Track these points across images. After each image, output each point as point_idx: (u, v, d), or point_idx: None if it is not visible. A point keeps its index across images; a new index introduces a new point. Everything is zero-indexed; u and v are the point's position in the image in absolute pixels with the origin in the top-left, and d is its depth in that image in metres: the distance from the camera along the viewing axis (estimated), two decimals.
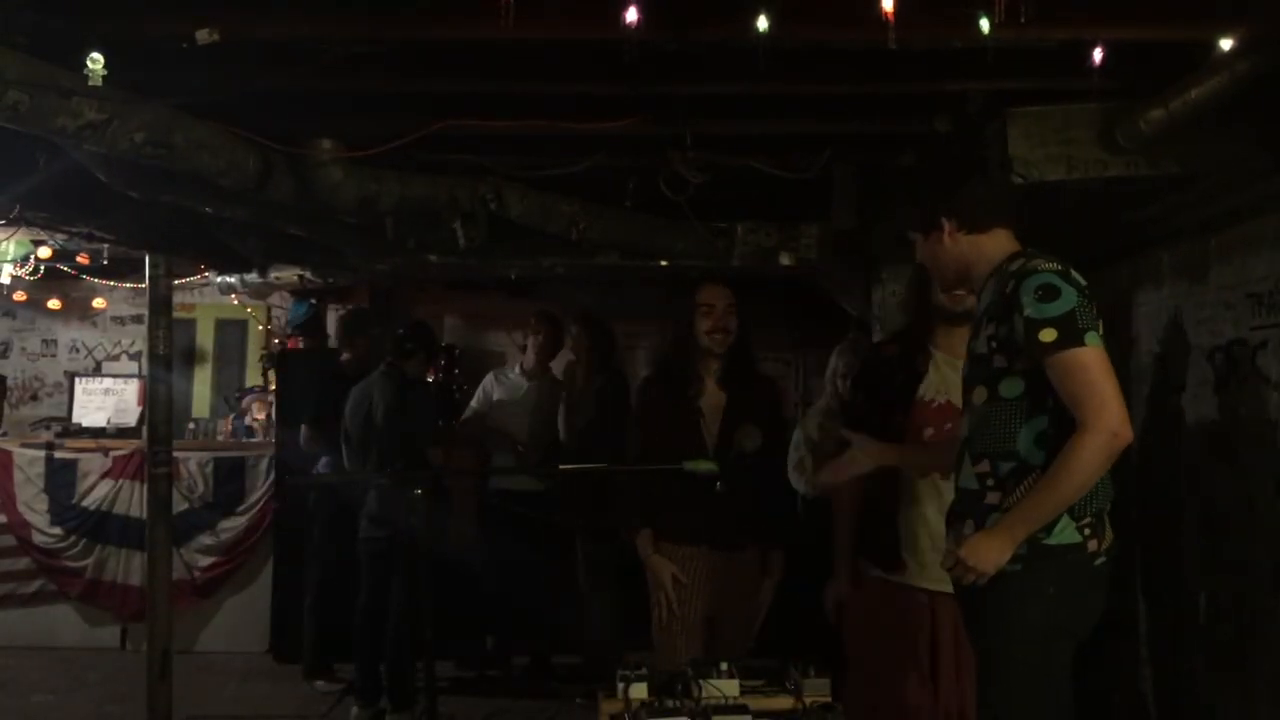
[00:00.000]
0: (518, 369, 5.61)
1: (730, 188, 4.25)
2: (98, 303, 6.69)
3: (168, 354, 4.68)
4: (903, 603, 3.08)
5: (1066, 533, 2.30)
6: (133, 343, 6.84)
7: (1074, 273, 2.36)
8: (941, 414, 3.01)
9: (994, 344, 2.36)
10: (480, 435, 5.59)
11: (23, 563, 5.91)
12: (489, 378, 5.71)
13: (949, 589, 2.73)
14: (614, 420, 5.04)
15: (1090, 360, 2.23)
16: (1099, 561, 2.35)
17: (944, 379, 3.04)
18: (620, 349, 5.64)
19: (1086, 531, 2.32)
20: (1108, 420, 2.20)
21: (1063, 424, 2.27)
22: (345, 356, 5.35)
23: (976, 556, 2.30)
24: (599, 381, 5.12)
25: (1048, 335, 2.24)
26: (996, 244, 2.48)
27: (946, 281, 2.68)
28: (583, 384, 5.26)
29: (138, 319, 6.68)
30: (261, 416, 6.41)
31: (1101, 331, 2.31)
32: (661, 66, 2.93)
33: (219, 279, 6.20)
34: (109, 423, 6.35)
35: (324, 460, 5.21)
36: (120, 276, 6.33)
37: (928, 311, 3.14)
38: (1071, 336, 2.23)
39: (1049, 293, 2.28)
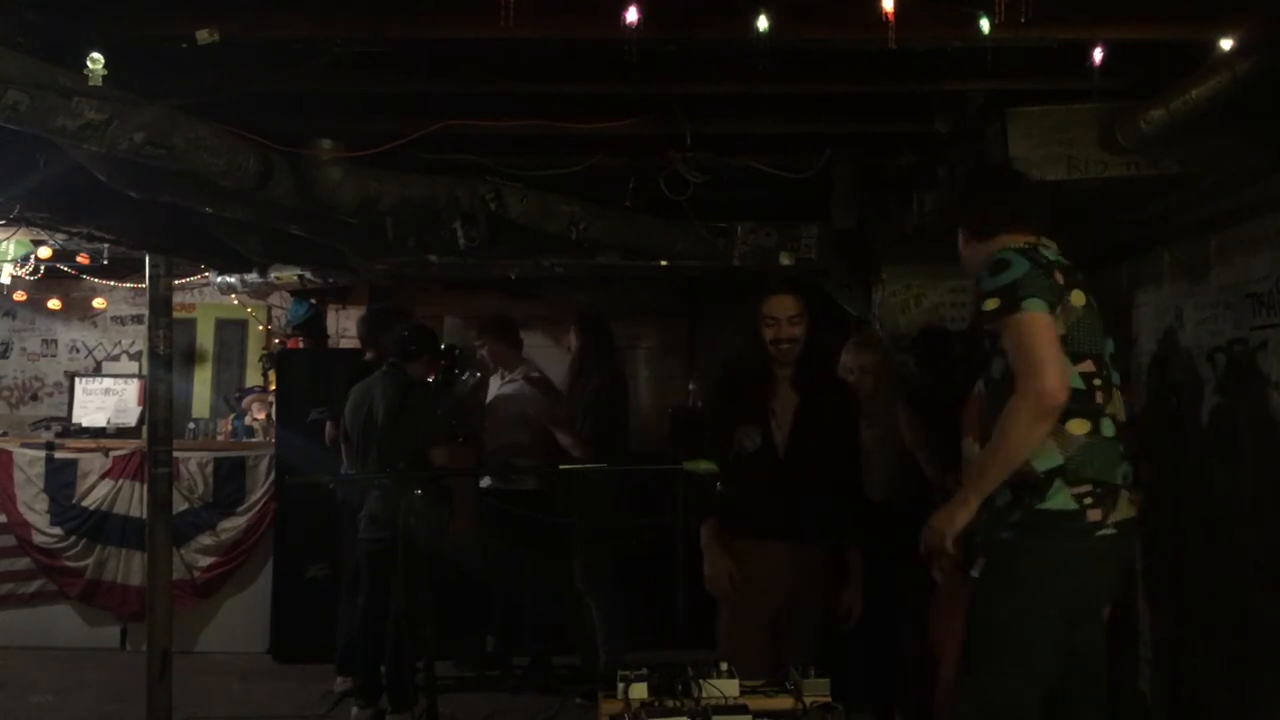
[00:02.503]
0: (500, 375, 5.52)
1: (730, 188, 4.26)
2: (98, 303, 6.69)
3: (168, 354, 4.67)
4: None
5: (1059, 498, 2.31)
6: (133, 343, 6.84)
7: (1044, 250, 2.40)
8: None
9: (984, 331, 2.44)
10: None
11: (23, 563, 5.90)
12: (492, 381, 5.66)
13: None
14: (614, 421, 5.05)
15: (1024, 324, 2.27)
16: (1103, 532, 2.34)
17: None
18: (619, 349, 5.59)
19: (1087, 500, 2.32)
20: (1035, 382, 2.23)
21: None
22: (369, 356, 5.33)
23: (937, 519, 2.41)
24: (595, 383, 5.08)
25: (990, 304, 2.31)
26: (1001, 247, 2.49)
27: None
28: (575, 385, 5.23)
29: (138, 319, 6.68)
30: (261, 416, 6.40)
31: (1064, 301, 2.33)
32: (661, 66, 2.93)
33: (219, 279, 6.20)
34: (109, 423, 6.34)
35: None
36: (120, 276, 6.33)
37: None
38: (1010, 303, 2.29)
39: (998, 266, 2.34)
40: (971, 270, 2.61)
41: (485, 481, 5.31)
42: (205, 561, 5.88)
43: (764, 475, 3.43)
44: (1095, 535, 2.33)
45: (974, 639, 2.43)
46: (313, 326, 6.54)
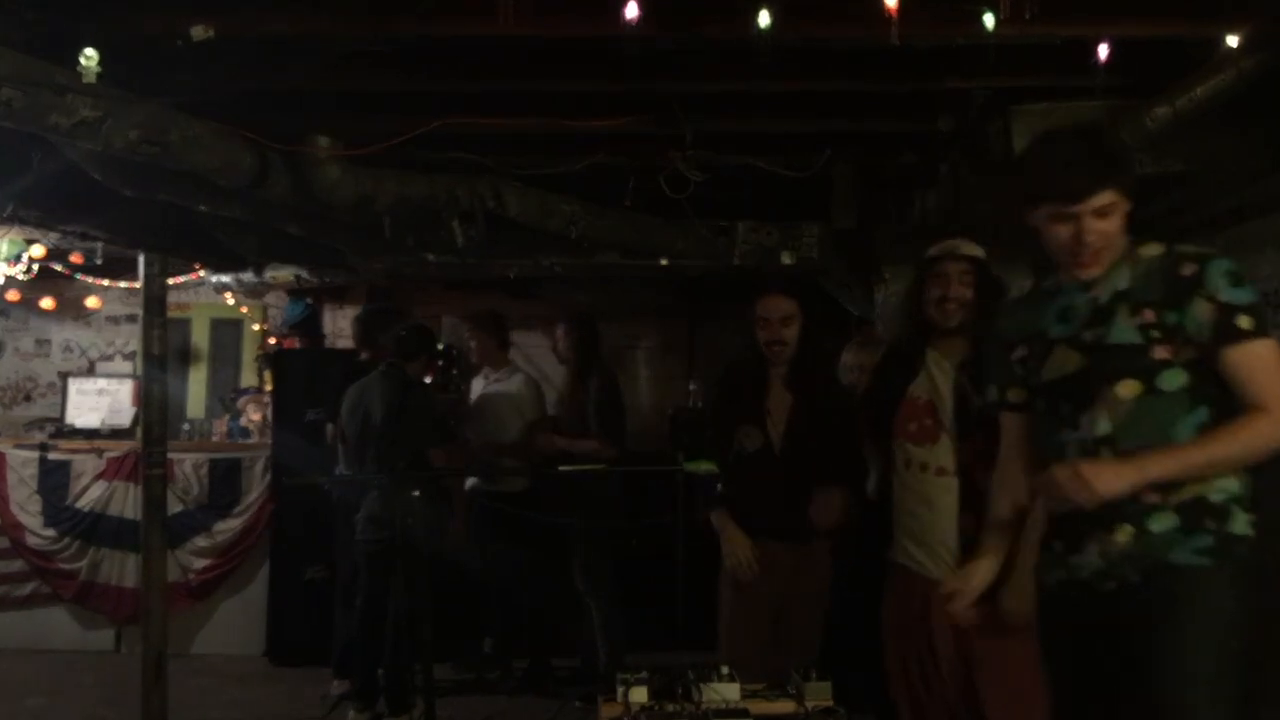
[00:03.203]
0: (484, 375, 5.48)
1: (730, 187, 4.25)
2: (91, 302, 6.64)
3: (162, 354, 4.63)
4: (905, 589, 3.05)
5: (1242, 524, 2.17)
6: (127, 343, 6.80)
7: None
8: (925, 410, 3.06)
9: (1155, 334, 2.18)
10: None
11: (16, 565, 5.85)
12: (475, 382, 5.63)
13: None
14: (622, 417, 5.02)
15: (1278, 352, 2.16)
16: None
17: (931, 378, 3.09)
18: (608, 348, 5.54)
19: (1252, 531, 2.19)
20: None
21: (1224, 415, 2.15)
22: (365, 356, 5.30)
23: (1096, 474, 2.11)
24: (596, 382, 5.06)
25: (1246, 321, 2.13)
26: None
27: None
28: (571, 385, 5.20)
29: (132, 319, 6.65)
30: (257, 417, 6.36)
31: None
32: (661, 64, 2.92)
33: (214, 278, 6.17)
34: (103, 423, 6.30)
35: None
36: (114, 276, 6.28)
37: (921, 320, 3.15)
38: (1264, 326, 2.15)
39: (1240, 279, 2.16)
40: (1100, 245, 2.19)
41: (470, 482, 5.27)
42: (200, 563, 5.85)
43: (762, 475, 3.43)
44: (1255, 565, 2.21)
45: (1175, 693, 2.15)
46: (309, 326, 6.51)
